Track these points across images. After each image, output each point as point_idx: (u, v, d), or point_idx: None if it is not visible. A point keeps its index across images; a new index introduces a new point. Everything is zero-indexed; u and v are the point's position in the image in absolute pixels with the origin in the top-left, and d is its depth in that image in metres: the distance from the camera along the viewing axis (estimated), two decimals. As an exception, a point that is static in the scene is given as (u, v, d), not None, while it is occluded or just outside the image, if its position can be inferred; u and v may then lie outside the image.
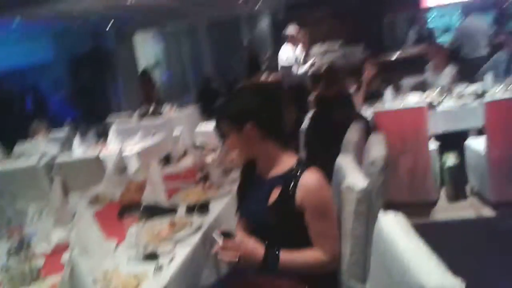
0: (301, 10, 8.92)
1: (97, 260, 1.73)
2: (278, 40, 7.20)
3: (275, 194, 1.76)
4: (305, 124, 3.93)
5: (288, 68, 6.40)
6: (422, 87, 4.98)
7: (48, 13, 7.55)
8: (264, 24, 11.11)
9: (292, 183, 1.72)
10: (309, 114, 4.03)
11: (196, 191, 2.58)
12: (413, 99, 4.41)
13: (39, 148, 4.55)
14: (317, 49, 8.03)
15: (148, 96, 6.94)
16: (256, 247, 1.70)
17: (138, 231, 1.94)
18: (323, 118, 3.58)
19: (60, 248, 1.99)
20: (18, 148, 4.80)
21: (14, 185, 3.75)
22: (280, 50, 6.56)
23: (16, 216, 2.69)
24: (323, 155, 2.56)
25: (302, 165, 1.76)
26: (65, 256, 1.87)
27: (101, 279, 1.60)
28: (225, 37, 11.07)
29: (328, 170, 1.96)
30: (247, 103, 1.83)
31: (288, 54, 6.41)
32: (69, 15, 7.96)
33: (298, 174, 1.73)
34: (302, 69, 6.46)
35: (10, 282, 1.70)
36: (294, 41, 6.45)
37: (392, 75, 5.51)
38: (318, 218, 1.71)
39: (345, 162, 1.99)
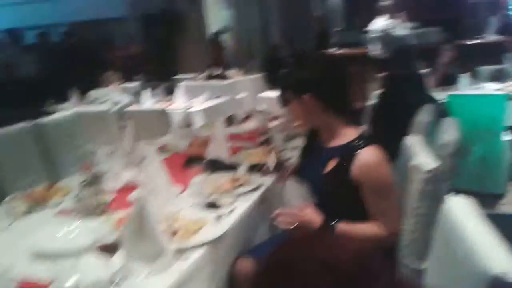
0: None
1: (162, 202, 1.83)
2: (350, 15, 7.01)
3: (331, 164, 1.76)
4: (373, 101, 3.86)
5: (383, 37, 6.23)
6: (500, 76, 4.73)
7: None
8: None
9: (349, 156, 1.71)
10: (378, 92, 3.94)
11: (258, 152, 2.63)
12: (492, 87, 4.21)
13: (111, 96, 4.77)
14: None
15: (216, 59, 7.03)
16: (313, 217, 1.71)
17: (201, 181, 2.02)
18: (392, 97, 3.49)
19: (128, 187, 2.11)
20: (93, 94, 5.04)
21: (87, 128, 3.97)
22: (373, 22, 6.39)
23: (86, 156, 2.88)
24: (389, 133, 2.52)
25: (363, 140, 1.74)
26: (133, 195, 1.99)
27: (165, 220, 1.70)
28: (296, 7, 10.91)
29: (393, 149, 1.93)
30: (308, 73, 1.82)
31: (382, 24, 6.26)
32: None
33: (356, 148, 1.71)
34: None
35: (82, 211, 1.83)
36: (389, 12, 6.26)
37: (469, 61, 5.25)
38: (375, 194, 1.70)
39: (414, 142, 1.96)
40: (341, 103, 1.83)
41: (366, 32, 6.60)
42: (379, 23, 6.30)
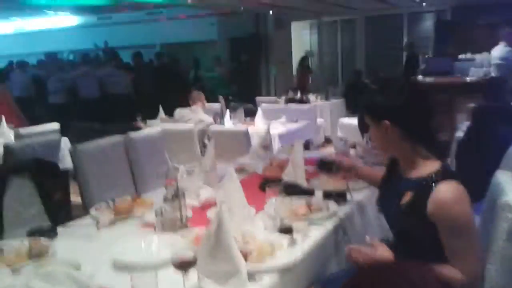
0: (470, 14, 8.27)
1: (238, 221, 1.86)
2: (441, 42, 6.77)
3: (407, 197, 1.68)
4: (460, 133, 3.68)
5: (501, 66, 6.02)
6: None
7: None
8: (427, 23, 10.53)
9: (425, 191, 1.61)
10: (466, 124, 3.75)
11: (335, 179, 2.59)
12: None
13: (195, 116, 4.97)
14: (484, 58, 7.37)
15: (301, 82, 7.09)
16: (385, 256, 1.65)
17: (277, 204, 2.03)
18: (482, 130, 3.31)
19: (207, 204, 2.18)
20: (178, 112, 5.29)
21: (171, 144, 4.16)
22: (494, 49, 6.23)
23: (170, 171, 3.01)
24: (476, 169, 2.38)
25: (442, 175, 1.63)
26: (211, 212, 2.04)
27: (239, 239, 1.72)
28: (383, 33, 10.76)
29: (480, 185, 1.82)
30: (389, 99, 1.76)
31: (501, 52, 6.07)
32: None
33: (433, 183, 1.61)
34: None
35: (163, 224, 1.91)
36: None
37: None
38: (452, 234, 1.59)
39: (505, 178, 1.83)
40: (423, 133, 1.75)
41: (457, 60, 6.34)
42: (497, 50, 6.05)
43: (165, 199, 1.91)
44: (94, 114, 7.20)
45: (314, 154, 3.43)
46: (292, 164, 2.50)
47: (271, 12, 10.59)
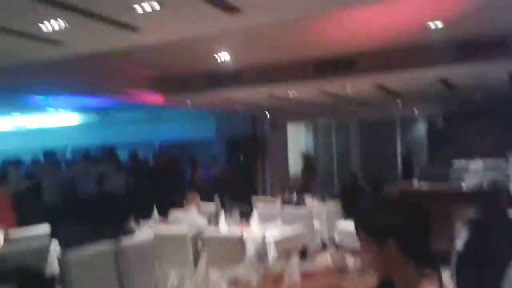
0: (462, 121, 8.57)
1: None
2: (434, 148, 6.94)
3: None
4: (456, 249, 3.59)
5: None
6: None
7: (214, 99, 8.46)
8: (420, 130, 10.87)
9: None
10: (462, 238, 3.68)
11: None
12: None
13: (190, 219, 4.89)
14: (478, 164, 7.49)
15: (306, 182, 7.06)
16: None
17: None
18: (480, 245, 3.23)
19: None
20: (173, 215, 5.23)
21: (164, 249, 4.05)
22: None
23: (161, 277, 2.90)
24: (476, 285, 2.29)
25: None
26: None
27: None
28: (377, 137, 11.06)
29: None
30: (389, 218, 1.72)
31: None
32: (232, 102, 8.82)
33: None
34: None
35: None
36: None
37: None
38: None
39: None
40: (423, 250, 1.70)
41: (451, 165, 6.43)
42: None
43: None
44: (88, 213, 7.10)
45: (312, 265, 3.32)
46: (288, 281, 2.41)
47: (267, 113, 10.96)
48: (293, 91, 7.71)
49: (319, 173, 10.90)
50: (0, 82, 7.24)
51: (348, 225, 5.36)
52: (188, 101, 9.09)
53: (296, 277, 2.43)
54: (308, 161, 9.80)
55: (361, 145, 11.41)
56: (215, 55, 6.59)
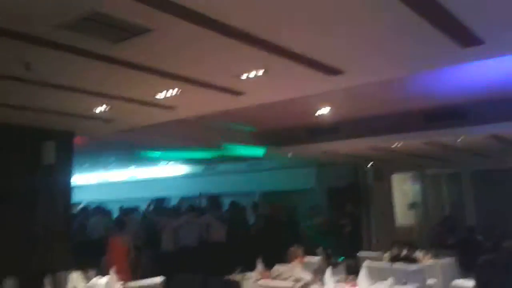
0: None
1: None
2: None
3: None
4: None
5: None
6: None
7: (314, 151, 8.46)
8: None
9: None
10: None
11: None
12: None
13: (294, 273, 4.80)
14: None
15: (441, 238, 6.60)
16: None
17: None
18: None
19: None
20: (277, 269, 5.17)
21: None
22: None
23: None
24: None
25: None
26: None
27: None
28: (493, 188, 10.16)
29: None
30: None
31: None
32: (332, 153, 8.73)
33: None
34: None
35: None
36: None
37: None
38: None
39: None
40: None
41: None
42: None
43: None
44: (195, 263, 7.29)
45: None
46: None
47: (370, 164, 10.66)
48: (398, 142, 7.45)
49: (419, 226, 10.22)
50: (121, 141, 7.97)
51: (466, 283, 4.90)
52: (289, 154, 9.19)
53: None
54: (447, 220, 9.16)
55: (475, 196, 10.54)
56: (316, 110, 6.66)
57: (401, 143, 7.50)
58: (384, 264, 6.15)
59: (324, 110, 6.72)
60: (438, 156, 9.24)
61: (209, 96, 4.76)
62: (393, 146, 7.68)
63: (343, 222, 9.80)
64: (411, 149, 8.22)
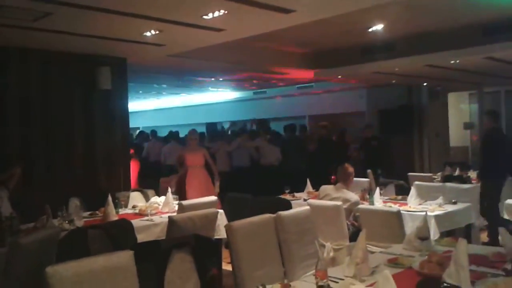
0: None
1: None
2: None
3: None
4: None
5: None
6: None
7: (366, 72, 8.22)
8: None
9: None
10: None
11: (508, 282, 2.26)
12: None
13: (341, 195, 4.86)
14: None
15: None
16: None
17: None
18: None
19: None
20: (323, 190, 5.25)
21: (319, 219, 4.14)
22: None
23: (318, 249, 2.97)
24: None
25: None
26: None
27: None
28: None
29: None
30: None
31: None
32: (386, 73, 8.44)
33: None
34: None
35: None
36: None
37: None
38: None
39: None
40: None
41: None
42: None
43: None
44: (249, 184, 7.57)
45: (478, 250, 3.07)
46: (454, 264, 2.26)
47: (425, 84, 10.26)
48: (455, 59, 7.07)
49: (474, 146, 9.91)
50: (172, 66, 8.09)
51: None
52: (339, 75, 9.00)
53: (465, 261, 2.26)
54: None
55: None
56: (368, 27, 6.39)
57: (459, 60, 7.12)
58: (435, 183, 6.11)
59: (378, 27, 6.45)
60: (497, 73, 8.73)
61: (258, 16, 4.65)
62: (451, 62, 7.32)
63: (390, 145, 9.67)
64: (468, 66, 7.79)
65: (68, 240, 3.39)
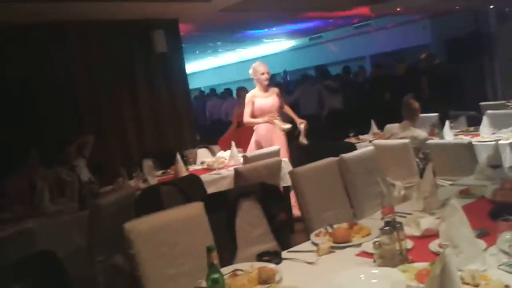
0: None
1: (465, 260, 1.69)
2: None
3: None
4: None
5: None
6: None
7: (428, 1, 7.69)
8: None
9: None
10: None
11: None
12: None
13: (407, 133, 4.71)
14: None
15: None
16: None
17: (513, 238, 1.77)
18: None
19: (428, 234, 2.04)
20: (389, 129, 5.12)
21: (386, 159, 4.07)
22: None
23: (386, 189, 2.94)
24: None
25: None
26: (433, 244, 1.91)
27: (468, 279, 1.56)
28: None
29: None
30: None
31: None
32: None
33: None
34: None
35: (382, 257, 1.85)
36: None
37: None
38: None
39: None
40: None
41: None
42: None
43: (383, 231, 1.85)
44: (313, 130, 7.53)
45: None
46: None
47: (491, 7, 9.47)
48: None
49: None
50: (223, 22, 8.05)
51: None
52: (398, 8, 8.51)
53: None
54: None
55: None
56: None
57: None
58: (509, 110, 5.75)
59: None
60: None
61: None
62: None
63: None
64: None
65: (143, 198, 3.60)
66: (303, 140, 5.40)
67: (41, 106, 5.70)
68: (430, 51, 9.12)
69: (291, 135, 5.51)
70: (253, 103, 5.33)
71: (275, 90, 5.51)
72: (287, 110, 5.65)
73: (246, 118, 5.37)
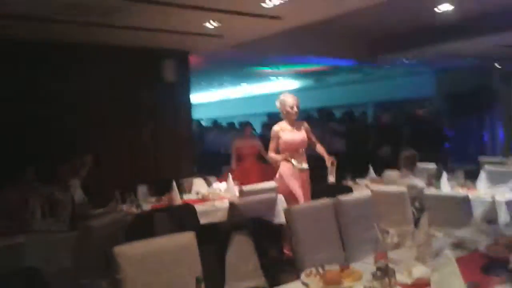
0: None
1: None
2: None
3: None
4: None
5: None
6: None
7: (433, 53, 7.86)
8: None
9: None
10: None
11: None
12: None
13: (405, 180, 4.72)
14: None
15: None
16: None
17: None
18: None
19: (419, 283, 2.01)
20: (387, 175, 5.13)
21: (382, 206, 4.04)
22: None
23: (379, 235, 2.91)
24: None
25: None
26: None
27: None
28: None
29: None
30: None
31: None
32: (455, 55, 8.05)
33: None
34: None
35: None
36: None
37: None
38: None
39: None
40: None
41: None
42: None
43: (374, 276, 1.84)
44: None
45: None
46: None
47: (496, 65, 9.67)
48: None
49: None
50: (232, 58, 8.21)
51: None
52: (405, 59, 8.69)
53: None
54: None
55: None
56: (435, 8, 6.10)
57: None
58: (508, 168, 5.77)
59: (446, 7, 6.12)
60: None
61: (315, 3, 4.63)
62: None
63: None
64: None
65: (136, 223, 3.57)
66: (331, 178, 5.02)
67: (42, 124, 5.72)
68: (429, 107, 9.31)
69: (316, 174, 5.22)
70: (278, 137, 4.92)
71: (303, 124, 5.11)
72: (319, 148, 5.21)
73: (270, 153, 5.01)
